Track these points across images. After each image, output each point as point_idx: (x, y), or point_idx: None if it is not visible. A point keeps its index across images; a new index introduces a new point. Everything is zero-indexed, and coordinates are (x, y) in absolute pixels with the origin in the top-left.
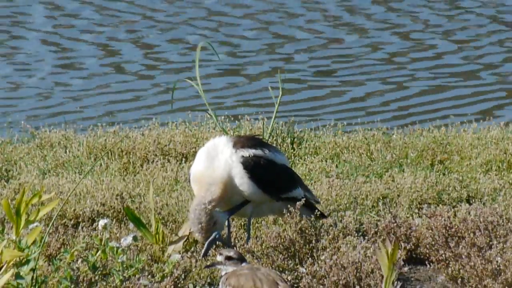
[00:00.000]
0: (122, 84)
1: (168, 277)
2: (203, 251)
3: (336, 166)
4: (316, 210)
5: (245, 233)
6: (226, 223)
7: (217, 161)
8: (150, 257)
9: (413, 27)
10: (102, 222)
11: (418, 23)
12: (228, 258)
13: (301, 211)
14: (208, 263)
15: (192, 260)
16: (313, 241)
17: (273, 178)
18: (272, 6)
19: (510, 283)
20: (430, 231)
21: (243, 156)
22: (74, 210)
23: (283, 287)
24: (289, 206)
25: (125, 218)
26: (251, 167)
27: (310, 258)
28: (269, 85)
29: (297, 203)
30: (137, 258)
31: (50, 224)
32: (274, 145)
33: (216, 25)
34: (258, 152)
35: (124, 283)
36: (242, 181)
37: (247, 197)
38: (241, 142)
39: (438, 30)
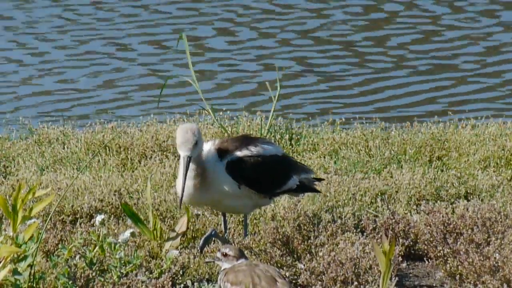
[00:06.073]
0: (121, 81)
1: (166, 273)
2: (199, 246)
3: (335, 163)
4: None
5: (243, 229)
6: (222, 219)
7: (200, 169)
8: (148, 253)
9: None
10: (99, 218)
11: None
12: (225, 255)
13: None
14: (207, 259)
15: (190, 256)
16: (312, 237)
17: (263, 177)
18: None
19: (508, 280)
20: (428, 227)
21: (228, 163)
22: (72, 206)
23: (282, 283)
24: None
25: (123, 214)
26: (239, 174)
27: (308, 254)
28: (267, 82)
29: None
30: (135, 254)
31: (48, 220)
32: (272, 141)
33: (214, 21)
34: (244, 152)
35: (121, 279)
36: (232, 190)
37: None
38: (224, 146)
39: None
